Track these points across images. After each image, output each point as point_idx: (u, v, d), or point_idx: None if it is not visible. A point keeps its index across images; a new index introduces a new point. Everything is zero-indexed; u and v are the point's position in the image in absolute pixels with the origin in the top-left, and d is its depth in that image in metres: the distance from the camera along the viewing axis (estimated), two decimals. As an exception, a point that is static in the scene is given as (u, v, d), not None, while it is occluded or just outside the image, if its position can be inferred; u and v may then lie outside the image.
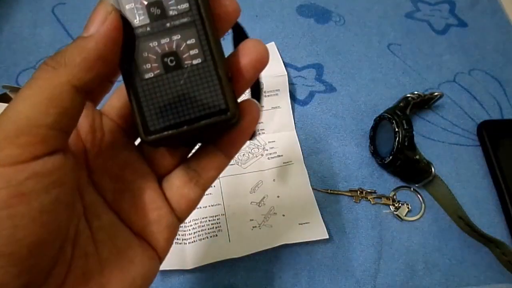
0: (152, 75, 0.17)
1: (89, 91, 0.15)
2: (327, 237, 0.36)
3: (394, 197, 0.40)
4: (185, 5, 0.17)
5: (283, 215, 0.38)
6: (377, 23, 0.52)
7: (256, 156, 0.41)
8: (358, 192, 0.40)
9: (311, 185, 0.40)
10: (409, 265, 0.37)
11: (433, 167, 0.38)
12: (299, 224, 0.37)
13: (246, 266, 0.36)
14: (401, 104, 0.41)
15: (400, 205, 0.39)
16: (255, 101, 0.19)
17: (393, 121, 0.38)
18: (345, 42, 0.50)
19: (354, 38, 0.51)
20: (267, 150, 0.42)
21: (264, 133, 0.43)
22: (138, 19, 0.17)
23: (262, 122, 0.43)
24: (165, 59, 0.17)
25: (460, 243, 0.38)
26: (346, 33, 0.51)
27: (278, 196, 0.39)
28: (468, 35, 0.51)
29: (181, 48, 0.17)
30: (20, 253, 0.13)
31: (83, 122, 0.18)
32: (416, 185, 0.40)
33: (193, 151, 0.21)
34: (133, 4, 0.16)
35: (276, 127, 0.43)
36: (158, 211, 0.19)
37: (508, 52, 0.50)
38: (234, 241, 0.36)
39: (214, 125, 0.17)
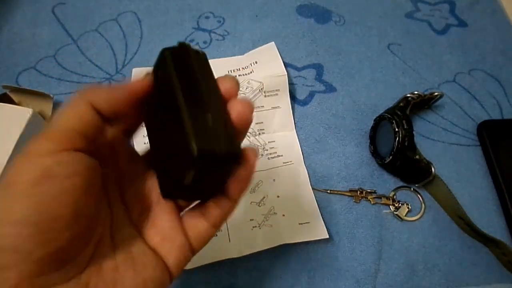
0: None
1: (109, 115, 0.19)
2: (327, 237, 0.36)
3: (394, 197, 0.40)
4: None
5: (283, 215, 0.38)
6: (377, 23, 0.52)
7: (256, 156, 0.41)
8: (358, 192, 0.40)
9: (311, 185, 0.40)
10: (409, 265, 0.37)
11: (433, 167, 0.38)
12: (299, 224, 0.37)
13: (246, 266, 0.36)
14: (401, 104, 0.41)
15: (400, 205, 0.39)
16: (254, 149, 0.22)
17: (393, 121, 0.38)
18: (345, 42, 0.50)
19: (354, 38, 0.51)
20: (267, 150, 0.42)
21: (264, 133, 0.43)
22: None
23: (262, 122, 0.43)
24: None
25: (460, 243, 0.38)
26: (346, 33, 0.51)
27: (278, 196, 0.39)
28: (468, 35, 0.51)
29: None
30: (43, 225, 0.16)
31: (122, 152, 0.22)
32: (416, 185, 0.40)
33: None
34: None
35: (276, 127, 0.43)
36: (172, 231, 0.22)
37: (508, 52, 0.50)
38: (234, 241, 0.36)
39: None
